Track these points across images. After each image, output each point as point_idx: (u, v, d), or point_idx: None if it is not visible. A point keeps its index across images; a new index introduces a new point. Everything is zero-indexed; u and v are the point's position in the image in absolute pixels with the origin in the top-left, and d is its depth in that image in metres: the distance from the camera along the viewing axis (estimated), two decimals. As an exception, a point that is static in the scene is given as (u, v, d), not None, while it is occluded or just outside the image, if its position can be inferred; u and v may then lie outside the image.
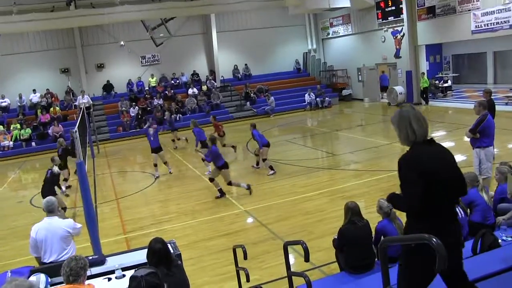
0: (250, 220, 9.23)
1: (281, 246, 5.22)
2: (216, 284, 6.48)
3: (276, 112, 24.89)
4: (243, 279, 5.65)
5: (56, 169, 10.70)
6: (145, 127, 14.73)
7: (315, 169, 12.63)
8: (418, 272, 3.06)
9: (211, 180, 11.04)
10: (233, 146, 15.88)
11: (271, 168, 12.56)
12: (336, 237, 5.55)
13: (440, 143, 3.28)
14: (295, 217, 8.91)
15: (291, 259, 6.05)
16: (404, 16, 22.44)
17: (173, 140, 18.49)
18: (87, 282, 4.11)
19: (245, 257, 5.49)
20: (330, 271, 6.22)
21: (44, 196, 10.35)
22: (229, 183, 10.96)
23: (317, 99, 25.71)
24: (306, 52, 30.00)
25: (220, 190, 10.89)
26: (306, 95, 25.78)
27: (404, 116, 3.20)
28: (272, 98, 25.07)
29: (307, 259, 4.57)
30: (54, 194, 10.47)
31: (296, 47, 29.59)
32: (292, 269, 5.15)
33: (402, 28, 22.82)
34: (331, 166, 12.91)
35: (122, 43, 24.71)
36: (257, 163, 13.26)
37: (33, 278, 4.69)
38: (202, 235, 8.56)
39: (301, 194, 10.36)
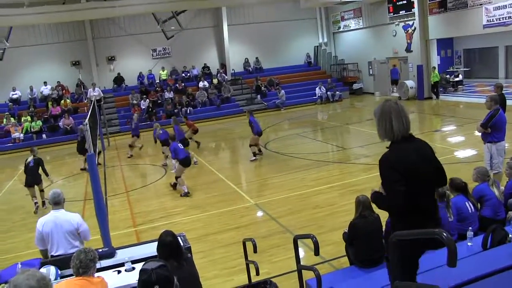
0: (260, 213, 9.22)
1: (291, 240, 5.20)
2: (226, 277, 6.49)
3: (287, 106, 24.82)
4: (252, 272, 5.66)
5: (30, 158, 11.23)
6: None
7: (325, 162, 12.59)
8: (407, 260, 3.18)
9: (176, 178, 11.17)
10: (196, 142, 16.41)
11: (254, 154, 13.55)
12: (346, 231, 5.53)
13: (419, 138, 3.27)
14: (305, 211, 8.89)
15: (301, 253, 6.03)
16: (416, 10, 22.17)
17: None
18: (96, 274, 4.13)
19: (255, 251, 5.47)
20: (340, 265, 6.20)
21: (29, 184, 10.95)
22: (176, 178, 11.22)
23: (328, 92, 25.59)
24: (317, 46, 29.84)
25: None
26: (317, 88, 25.67)
27: (386, 111, 3.18)
28: (282, 91, 24.99)
29: (317, 253, 4.55)
30: (40, 182, 11.07)
31: (307, 41, 29.45)
32: (302, 263, 5.14)
33: (414, 22, 22.58)
34: (342, 160, 12.86)
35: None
36: (254, 154, 13.71)
37: (43, 270, 4.72)
38: (212, 228, 8.58)
39: (311, 187, 10.34)
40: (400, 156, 3.08)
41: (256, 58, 28.36)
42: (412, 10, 22.40)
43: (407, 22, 23.09)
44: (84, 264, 3.92)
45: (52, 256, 5.43)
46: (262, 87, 25.78)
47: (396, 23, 23.74)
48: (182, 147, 11.39)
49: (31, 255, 6.10)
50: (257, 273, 5.44)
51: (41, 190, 11.35)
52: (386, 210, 3.33)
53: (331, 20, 29.66)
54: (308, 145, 15.64)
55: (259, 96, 25.46)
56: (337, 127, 18.59)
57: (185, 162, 11.10)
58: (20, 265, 5.08)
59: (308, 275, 4.78)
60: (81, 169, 14.71)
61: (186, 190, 10.97)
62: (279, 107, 24.65)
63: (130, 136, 17.18)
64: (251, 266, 5.65)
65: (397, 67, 24.60)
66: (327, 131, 18.35)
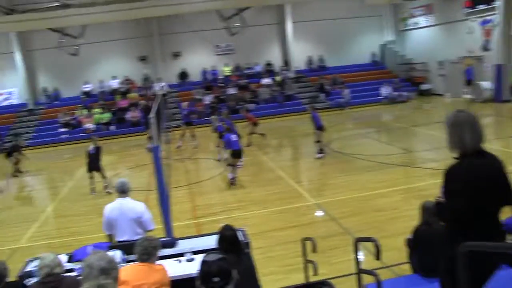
0: (320, 213, 9.11)
1: (351, 242, 5.10)
2: (283, 274, 6.45)
3: (351, 105, 24.38)
4: (310, 272, 5.59)
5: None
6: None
7: (389, 165, 12.22)
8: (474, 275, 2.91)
9: (228, 165, 11.95)
10: (261, 134, 16.60)
11: (321, 151, 13.42)
12: (410, 237, 5.33)
13: (491, 153, 3.06)
14: (367, 213, 8.68)
15: (361, 256, 5.90)
16: (500, 3, 20.34)
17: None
18: (157, 262, 4.26)
19: (314, 250, 5.40)
20: (402, 272, 5.98)
21: (90, 169, 12.04)
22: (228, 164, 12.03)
23: (394, 93, 24.88)
24: (383, 44, 29.10)
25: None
26: (382, 88, 25.02)
27: (458, 122, 3.02)
28: (347, 90, 24.60)
29: (378, 257, 4.41)
30: (99, 168, 12.08)
31: (372, 39, 28.75)
32: (361, 267, 5.01)
33: (495, 18, 20.86)
34: (406, 163, 12.44)
35: None
36: (321, 150, 13.51)
37: (110, 253, 4.90)
38: (272, 225, 8.56)
39: (374, 190, 10.07)
40: (468, 171, 2.93)
41: (320, 56, 28.06)
42: (494, 3, 20.66)
43: (485, 18, 21.55)
44: (147, 251, 4.08)
45: (118, 241, 5.64)
46: (326, 86, 25.49)
47: (473, 19, 22.27)
48: (236, 139, 11.64)
49: (101, 239, 6.36)
50: (315, 273, 5.37)
51: (104, 177, 12.23)
52: (443, 221, 3.23)
53: (398, 17, 28.74)
54: (372, 146, 15.29)
55: (322, 94, 25.18)
56: (402, 128, 18.05)
57: (236, 154, 11.46)
58: (90, 247, 5.32)
59: (367, 279, 4.64)
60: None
61: (232, 177, 11.47)
62: (343, 107, 24.26)
63: (192, 131, 17.49)
64: (309, 266, 5.58)
65: (472, 67, 23.26)
66: (392, 133, 17.85)
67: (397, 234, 7.13)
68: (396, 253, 6.37)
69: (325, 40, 27.79)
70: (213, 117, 15.85)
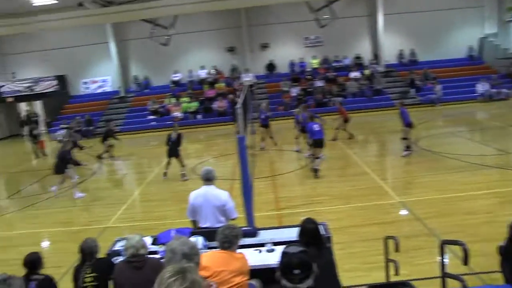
0: (404, 212, 8.83)
1: (436, 244, 4.90)
2: (363, 272, 6.35)
3: (443, 102, 23.25)
4: (391, 271, 5.46)
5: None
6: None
7: (482, 166, 11.52)
8: None
9: (310, 156, 12.39)
10: (350, 134, 16.33)
11: (407, 148, 12.93)
12: (502, 244, 5.01)
13: None
14: (455, 215, 8.27)
15: (446, 260, 5.66)
16: None
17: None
18: (238, 251, 4.35)
19: (397, 250, 5.25)
20: (491, 281, 5.65)
21: (169, 155, 12.75)
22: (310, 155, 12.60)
23: (492, 89, 23.36)
24: (483, 37, 27.32)
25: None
26: (478, 84, 23.57)
27: None
28: (439, 86, 23.49)
29: (466, 262, 4.21)
30: (178, 155, 12.73)
31: (470, 32, 27.03)
32: (446, 271, 4.81)
33: None
34: (503, 166, 11.64)
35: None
36: (407, 147, 13.03)
37: (192, 239, 5.09)
38: (354, 221, 8.44)
39: (464, 191, 9.56)
40: None
41: (412, 49, 26.97)
42: None
43: None
44: (228, 239, 4.17)
45: (200, 227, 5.83)
46: (417, 81, 24.52)
47: None
48: (318, 128, 11.65)
49: (183, 224, 6.62)
50: (397, 273, 5.23)
51: (182, 165, 12.80)
52: None
53: (504, 6, 26.51)
54: (463, 145, 14.52)
55: (413, 90, 24.26)
56: (499, 128, 16.92)
57: (317, 143, 11.61)
58: (174, 232, 5.57)
59: (452, 284, 4.46)
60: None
61: (315, 167, 11.75)
62: (434, 103, 23.22)
63: (279, 122, 17.61)
64: (390, 265, 5.45)
65: None
66: (487, 132, 16.81)
67: (489, 239, 6.72)
68: (486, 259, 6.02)
69: (418, 33, 26.63)
70: (297, 109, 15.85)
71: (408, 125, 12.89)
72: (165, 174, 12.98)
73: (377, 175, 11.49)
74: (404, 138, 13.06)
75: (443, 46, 26.91)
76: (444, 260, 4.77)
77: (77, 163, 13.29)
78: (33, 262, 4.80)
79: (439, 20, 26.39)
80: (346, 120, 16.17)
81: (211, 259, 4.05)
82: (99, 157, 16.65)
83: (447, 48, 26.86)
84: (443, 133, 16.25)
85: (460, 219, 8.08)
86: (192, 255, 3.26)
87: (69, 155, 12.64)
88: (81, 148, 15.97)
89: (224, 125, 22.06)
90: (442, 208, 8.69)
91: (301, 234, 4.21)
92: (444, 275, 4.62)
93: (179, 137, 12.86)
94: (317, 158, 11.73)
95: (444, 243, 4.77)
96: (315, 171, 11.69)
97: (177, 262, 3.01)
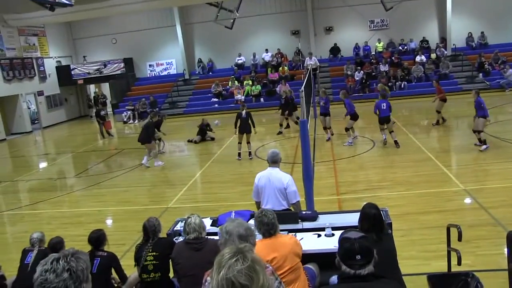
0: (468, 200, 8.56)
1: (503, 235, 4.72)
2: (423, 260, 6.24)
3: (513, 87, 22.05)
4: (453, 261, 5.36)
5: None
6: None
7: (558, 154, 10.94)
8: None
9: (346, 129, 13.79)
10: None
11: (483, 142, 11.77)
12: None
13: None
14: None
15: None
16: None
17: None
18: (299, 235, 4.35)
19: (459, 239, 5.12)
20: None
21: (241, 132, 13.10)
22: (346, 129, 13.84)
23: None
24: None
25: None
26: (555, 68, 22.14)
27: None
28: (510, 70, 22.26)
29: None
30: (249, 131, 13.12)
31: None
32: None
33: None
34: None
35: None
36: (480, 140, 11.99)
37: (251, 222, 5.23)
38: (415, 207, 8.28)
39: (537, 180, 9.16)
40: None
41: (482, 32, 25.46)
42: None
43: None
44: (269, 226, 4.08)
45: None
46: (486, 65, 23.38)
47: None
48: (385, 108, 12.83)
49: (244, 207, 6.78)
50: (459, 263, 5.10)
51: (248, 142, 13.11)
52: None
53: None
54: (537, 133, 13.81)
55: (481, 74, 23.18)
56: None
57: (354, 116, 13.74)
58: (233, 213, 5.72)
59: (519, 277, 4.34)
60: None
61: (350, 141, 13.47)
62: (504, 88, 22.07)
63: (341, 107, 17.29)
64: (453, 254, 5.36)
65: None
66: None
67: None
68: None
69: (489, 15, 25.03)
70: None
71: (484, 116, 11.72)
72: (239, 154, 13.23)
73: (441, 161, 11.17)
74: (476, 131, 11.90)
75: (517, 28, 25.30)
76: (512, 252, 4.64)
77: (155, 138, 14.04)
78: (97, 239, 5.07)
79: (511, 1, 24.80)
80: (444, 100, 15.51)
81: (259, 249, 3.88)
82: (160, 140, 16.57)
83: (521, 30, 25.24)
84: (511, 120, 15.53)
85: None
86: (247, 236, 3.31)
87: (152, 127, 13.56)
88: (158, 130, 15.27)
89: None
90: (510, 197, 8.34)
91: (362, 219, 4.18)
92: (512, 268, 4.49)
93: (249, 114, 13.14)
94: (392, 132, 13.01)
95: (512, 234, 4.63)
96: (396, 143, 12.85)
97: (232, 244, 3.04)
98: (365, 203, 4.42)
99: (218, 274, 1.88)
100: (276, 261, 3.85)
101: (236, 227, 3.32)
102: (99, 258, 4.90)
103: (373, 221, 4.09)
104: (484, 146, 11.72)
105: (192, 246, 4.39)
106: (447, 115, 16.09)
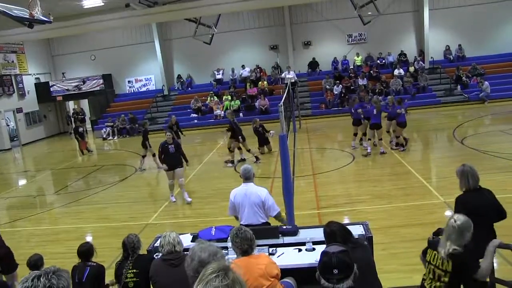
0: (449, 212, 8.51)
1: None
2: (405, 273, 6.20)
3: (492, 99, 22.38)
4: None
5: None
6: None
7: (535, 166, 11.06)
8: None
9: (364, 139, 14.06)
10: None
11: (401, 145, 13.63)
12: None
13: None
14: (507, 218, 7.93)
15: (495, 264, 5.45)
16: None
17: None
18: (279, 250, 4.25)
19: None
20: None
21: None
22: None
23: (544, 86, 22.31)
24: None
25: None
26: (530, 81, 22.56)
27: (465, 172, 5.33)
28: (486, 83, 22.57)
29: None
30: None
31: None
32: (496, 275, 4.63)
33: None
34: (557, 165, 11.14)
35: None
36: (398, 144, 13.52)
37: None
38: (396, 221, 8.26)
39: (514, 192, 9.22)
40: (466, 199, 5.27)
41: (459, 45, 25.96)
42: None
43: None
44: (245, 244, 3.94)
45: (241, 225, 5.87)
46: (464, 77, 23.74)
47: None
48: (375, 114, 13.32)
49: (224, 222, 6.67)
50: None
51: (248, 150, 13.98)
52: None
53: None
54: (513, 144, 13.98)
55: (459, 86, 23.51)
56: (552, 126, 16.17)
57: (373, 126, 13.67)
58: (214, 229, 5.60)
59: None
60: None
61: (369, 151, 13.64)
62: (484, 100, 22.40)
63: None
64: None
65: None
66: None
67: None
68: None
69: (466, 28, 25.54)
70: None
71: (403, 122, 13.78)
72: (232, 162, 13.53)
73: (421, 174, 11.22)
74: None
75: (492, 41, 25.70)
76: (494, 264, 4.59)
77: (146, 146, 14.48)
78: (87, 252, 5.13)
79: (489, 14, 25.20)
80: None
81: None
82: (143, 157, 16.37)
83: (496, 43, 25.63)
84: (491, 131, 15.71)
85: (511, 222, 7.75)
86: (209, 263, 3.14)
87: (146, 134, 14.28)
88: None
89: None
90: (490, 210, 8.35)
91: (326, 238, 4.04)
92: (494, 280, 4.46)
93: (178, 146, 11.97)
94: (398, 137, 13.79)
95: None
96: (403, 145, 13.69)
97: (193, 268, 2.95)
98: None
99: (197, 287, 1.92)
100: (249, 284, 3.66)
101: (200, 251, 3.09)
102: (88, 268, 4.96)
103: (332, 236, 3.94)
104: (401, 148, 13.61)
105: (169, 262, 4.30)
106: (427, 128, 16.20)
